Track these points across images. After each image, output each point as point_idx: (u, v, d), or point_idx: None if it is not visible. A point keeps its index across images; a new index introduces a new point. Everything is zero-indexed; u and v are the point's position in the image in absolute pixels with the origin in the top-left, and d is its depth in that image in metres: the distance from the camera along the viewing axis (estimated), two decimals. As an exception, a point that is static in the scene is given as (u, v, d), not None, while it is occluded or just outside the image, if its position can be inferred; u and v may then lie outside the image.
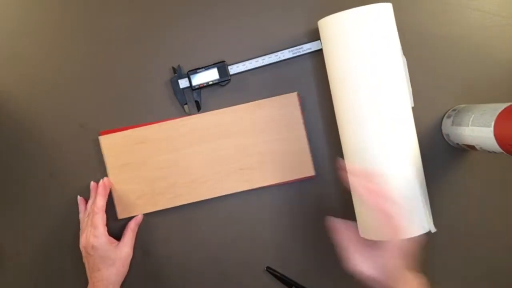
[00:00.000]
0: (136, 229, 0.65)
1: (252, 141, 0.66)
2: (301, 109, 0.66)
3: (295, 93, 0.66)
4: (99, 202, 0.62)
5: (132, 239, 0.64)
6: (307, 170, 0.66)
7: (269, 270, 0.69)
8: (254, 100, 0.67)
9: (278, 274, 0.68)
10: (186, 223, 0.68)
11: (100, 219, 0.61)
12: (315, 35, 0.66)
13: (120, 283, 0.62)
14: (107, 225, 0.63)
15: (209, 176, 0.66)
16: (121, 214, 0.66)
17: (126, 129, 0.67)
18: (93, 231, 0.60)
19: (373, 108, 0.57)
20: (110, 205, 0.66)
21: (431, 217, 0.60)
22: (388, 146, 0.58)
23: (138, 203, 0.66)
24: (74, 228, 0.67)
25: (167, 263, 0.69)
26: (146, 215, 0.68)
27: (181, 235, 0.68)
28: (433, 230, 0.60)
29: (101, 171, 0.67)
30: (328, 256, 0.68)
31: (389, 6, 0.59)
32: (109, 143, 0.65)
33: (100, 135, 0.67)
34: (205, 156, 0.66)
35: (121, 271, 0.62)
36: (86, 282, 0.65)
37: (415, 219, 0.59)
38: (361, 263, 0.56)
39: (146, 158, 0.66)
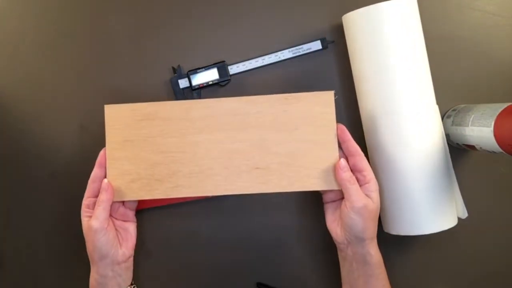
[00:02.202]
0: (104, 198, 0.56)
1: (274, 138, 0.57)
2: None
3: (331, 92, 0.57)
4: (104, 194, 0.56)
5: (97, 211, 0.55)
6: (331, 182, 0.57)
7: (260, 286, 0.68)
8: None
9: None
10: (185, 222, 0.68)
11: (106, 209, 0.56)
12: (315, 35, 0.66)
13: (92, 258, 0.57)
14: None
15: (217, 170, 0.58)
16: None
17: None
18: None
19: (401, 100, 0.58)
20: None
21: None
22: (418, 138, 0.59)
23: (132, 186, 0.58)
24: (74, 228, 0.67)
25: (167, 262, 0.69)
26: (145, 214, 0.68)
27: (181, 235, 0.68)
28: (466, 215, 0.61)
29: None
30: (326, 266, 0.68)
31: (414, 1, 0.60)
32: (115, 114, 0.58)
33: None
34: (217, 147, 0.58)
35: (88, 250, 0.57)
36: (86, 282, 0.65)
37: (452, 209, 0.61)
38: (332, 222, 0.58)
39: (150, 138, 0.58)
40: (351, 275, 0.58)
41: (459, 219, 0.62)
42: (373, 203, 0.54)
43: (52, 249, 0.68)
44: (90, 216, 0.56)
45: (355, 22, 0.60)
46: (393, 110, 0.59)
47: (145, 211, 0.68)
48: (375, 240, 0.57)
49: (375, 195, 0.55)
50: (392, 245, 0.67)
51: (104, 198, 0.56)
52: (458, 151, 0.67)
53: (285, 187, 0.57)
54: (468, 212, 0.67)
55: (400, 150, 0.59)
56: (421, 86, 0.59)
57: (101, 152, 0.58)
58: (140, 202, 0.67)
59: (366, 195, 0.54)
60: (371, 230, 0.55)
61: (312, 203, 0.68)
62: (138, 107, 0.58)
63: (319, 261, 0.68)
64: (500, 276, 0.69)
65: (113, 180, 0.58)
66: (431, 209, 0.59)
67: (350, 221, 0.54)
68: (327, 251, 0.68)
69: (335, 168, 0.55)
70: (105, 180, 0.57)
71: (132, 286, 0.60)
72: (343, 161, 0.55)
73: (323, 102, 0.57)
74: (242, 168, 0.58)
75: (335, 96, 0.57)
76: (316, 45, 0.65)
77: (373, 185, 0.55)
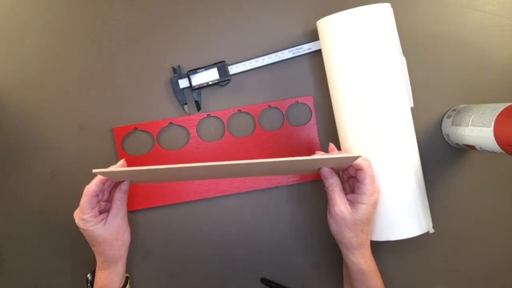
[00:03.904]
0: (124, 197, 0.57)
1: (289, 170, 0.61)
2: (315, 113, 0.67)
3: (359, 156, 0.53)
4: (90, 185, 0.56)
5: (121, 210, 0.57)
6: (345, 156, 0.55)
7: (264, 281, 0.68)
8: (255, 101, 0.67)
9: (274, 285, 0.68)
10: (187, 221, 0.68)
11: (86, 203, 0.55)
12: (315, 35, 0.66)
13: (120, 256, 0.59)
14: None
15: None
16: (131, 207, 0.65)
17: (136, 126, 0.67)
18: (79, 213, 0.56)
19: (371, 108, 0.58)
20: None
21: (430, 217, 0.61)
22: (386, 146, 0.58)
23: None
24: (74, 228, 0.67)
25: (168, 260, 0.69)
26: (145, 214, 0.68)
27: (181, 235, 0.68)
28: (431, 231, 0.60)
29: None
30: (329, 263, 0.68)
31: (387, 6, 0.59)
32: (105, 174, 0.55)
33: (113, 130, 0.67)
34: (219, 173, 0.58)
35: (115, 244, 0.58)
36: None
37: (414, 220, 0.59)
38: (329, 217, 0.57)
39: (150, 179, 0.60)
40: (348, 275, 0.60)
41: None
42: (352, 214, 0.54)
43: (52, 248, 0.68)
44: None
45: (327, 28, 0.60)
46: (363, 120, 0.58)
47: (144, 211, 0.68)
48: (360, 250, 0.56)
49: (363, 207, 0.54)
50: (386, 248, 0.67)
51: (87, 189, 0.55)
52: (458, 151, 0.67)
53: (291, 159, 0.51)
54: (468, 212, 0.67)
55: (370, 159, 0.57)
56: (390, 93, 0.58)
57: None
58: (139, 202, 0.68)
59: (353, 204, 0.55)
60: (348, 238, 0.55)
61: (317, 200, 0.68)
62: (130, 172, 0.53)
63: (322, 257, 0.69)
64: (499, 276, 0.69)
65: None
66: (398, 217, 0.59)
67: (328, 222, 0.57)
68: (331, 248, 0.68)
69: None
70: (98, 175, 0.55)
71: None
72: (322, 171, 0.55)
73: (349, 161, 0.54)
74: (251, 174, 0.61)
75: None
76: (316, 45, 0.65)
77: (365, 199, 0.54)
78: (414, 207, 0.59)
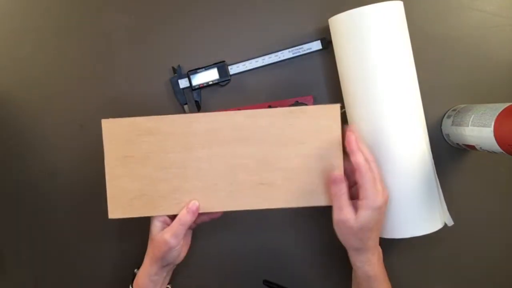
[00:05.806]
0: (188, 219, 0.55)
1: (279, 153, 0.56)
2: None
3: (337, 105, 0.55)
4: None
5: (177, 230, 0.55)
6: None
7: (266, 283, 0.68)
8: (255, 101, 0.67)
9: (275, 287, 0.68)
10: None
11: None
12: (315, 35, 0.66)
13: (155, 262, 0.58)
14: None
15: (221, 186, 0.56)
16: (113, 213, 0.57)
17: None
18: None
19: (386, 104, 0.58)
20: (102, 202, 0.58)
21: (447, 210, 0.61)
22: (403, 142, 0.58)
23: (135, 203, 0.57)
24: (74, 228, 0.67)
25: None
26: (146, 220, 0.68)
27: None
28: (451, 223, 0.60)
29: (101, 171, 0.67)
30: (332, 266, 0.68)
31: (400, 4, 0.59)
32: (113, 129, 0.56)
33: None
34: (220, 162, 0.56)
35: (153, 253, 0.57)
36: (87, 282, 0.65)
37: (435, 214, 0.60)
38: (334, 224, 0.54)
39: (152, 154, 0.56)
40: (355, 279, 0.59)
41: (454, 221, 0.62)
42: (356, 221, 0.52)
43: (53, 248, 0.69)
44: (164, 223, 0.57)
45: (340, 25, 0.60)
46: (375, 117, 0.58)
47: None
48: (366, 256, 0.55)
49: (365, 213, 0.51)
50: (387, 248, 0.67)
51: (188, 219, 0.55)
52: (458, 151, 0.67)
53: (290, 203, 0.56)
54: (467, 212, 0.67)
55: (383, 156, 0.58)
56: (405, 92, 0.58)
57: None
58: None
59: (357, 210, 0.52)
60: (354, 245, 0.54)
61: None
62: (138, 122, 0.56)
63: (325, 259, 0.68)
64: (500, 276, 0.69)
65: (114, 197, 0.56)
66: (412, 214, 0.59)
67: (334, 228, 0.54)
68: (334, 250, 0.68)
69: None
70: (196, 203, 0.56)
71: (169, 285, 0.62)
72: (333, 175, 0.53)
73: (329, 115, 0.55)
74: (247, 184, 0.56)
75: (341, 109, 0.55)
76: (316, 45, 0.65)
77: (366, 203, 0.51)
78: (435, 201, 0.59)
